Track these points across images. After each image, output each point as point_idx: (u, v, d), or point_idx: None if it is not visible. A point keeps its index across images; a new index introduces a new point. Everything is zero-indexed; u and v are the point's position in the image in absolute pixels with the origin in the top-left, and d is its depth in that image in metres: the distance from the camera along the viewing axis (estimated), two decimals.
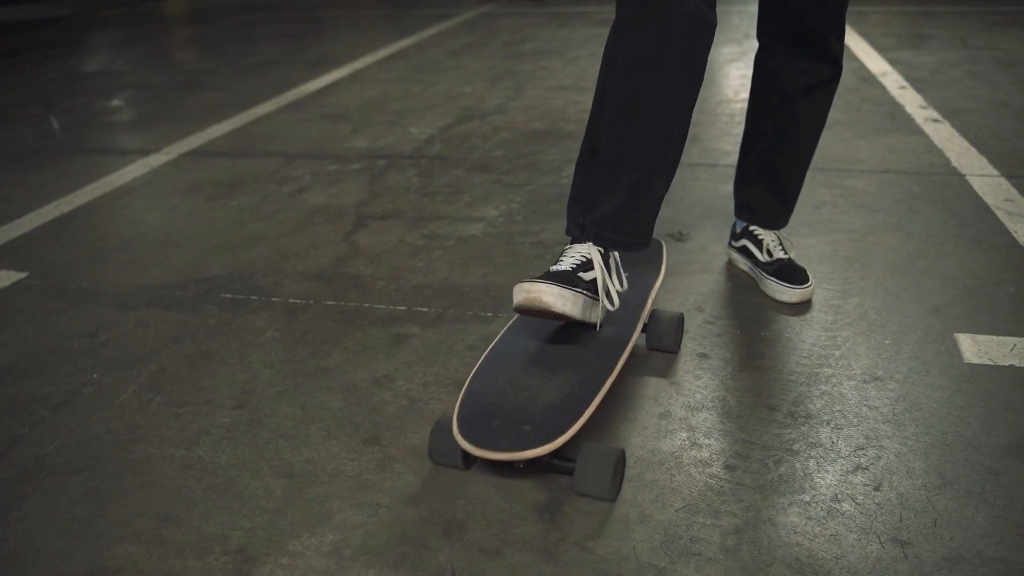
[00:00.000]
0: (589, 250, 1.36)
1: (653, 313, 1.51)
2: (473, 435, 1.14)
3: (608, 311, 1.41)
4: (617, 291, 1.43)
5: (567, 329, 1.40)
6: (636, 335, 1.37)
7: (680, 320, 1.52)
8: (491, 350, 1.35)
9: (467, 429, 1.15)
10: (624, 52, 1.29)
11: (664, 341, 1.50)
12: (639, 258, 1.64)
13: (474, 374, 1.28)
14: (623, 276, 1.45)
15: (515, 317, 1.49)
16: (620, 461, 1.16)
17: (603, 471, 1.13)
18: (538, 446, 1.11)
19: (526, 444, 1.11)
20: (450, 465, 1.22)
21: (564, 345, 1.35)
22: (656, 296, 1.55)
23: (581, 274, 1.32)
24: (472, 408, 1.19)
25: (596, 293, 1.34)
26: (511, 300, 1.74)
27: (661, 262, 1.62)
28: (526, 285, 1.23)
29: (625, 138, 1.32)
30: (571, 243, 1.40)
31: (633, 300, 1.47)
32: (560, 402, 1.19)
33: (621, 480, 1.19)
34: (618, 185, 1.34)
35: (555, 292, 1.23)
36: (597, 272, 1.33)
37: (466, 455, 1.19)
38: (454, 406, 1.28)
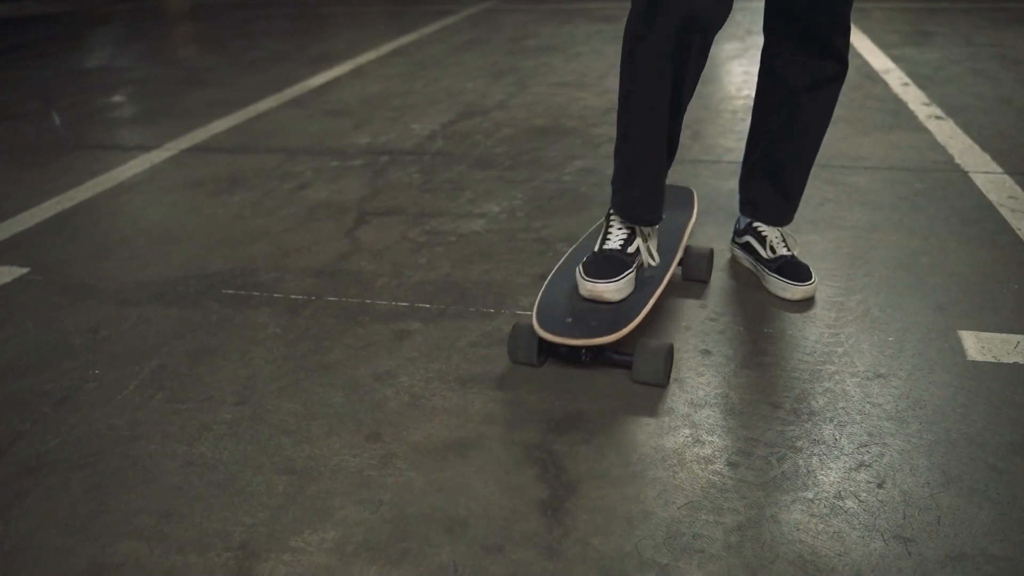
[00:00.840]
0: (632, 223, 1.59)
1: (687, 249, 1.76)
2: (551, 327, 1.41)
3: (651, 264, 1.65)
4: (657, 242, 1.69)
5: None
6: (673, 267, 1.63)
7: (710, 254, 1.76)
8: (556, 270, 1.63)
9: (545, 323, 1.42)
10: (638, 50, 1.39)
11: (696, 272, 1.76)
12: (675, 203, 1.91)
13: (545, 288, 1.56)
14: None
15: (580, 239, 1.80)
16: (670, 353, 1.41)
17: (657, 361, 1.38)
18: (605, 335, 1.38)
19: (595, 334, 1.39)
20: (524, 362, 1.47)
21: None
22: (689, 233, 1.83)
23: (628, 249, 1.56)
24: (547, 311, 1.47)
25: (641, 256, 1.59)
26: (513, 296, 1.75)
27: (693, 206, 1.90)
28: (588, 285, 1.49)
29: (639, 130, 1.46)
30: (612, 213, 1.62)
31: (670, 239, 1.73)
32: (618, 308, 1.48)
33: (670, 371, 1.43)
34: (629, 173, 1.52)
35: (612, 288, 1.48)
36: (640, 243, 1.59)
37: (541, 349, 1.46)
38: (533, 306, 1.56)
